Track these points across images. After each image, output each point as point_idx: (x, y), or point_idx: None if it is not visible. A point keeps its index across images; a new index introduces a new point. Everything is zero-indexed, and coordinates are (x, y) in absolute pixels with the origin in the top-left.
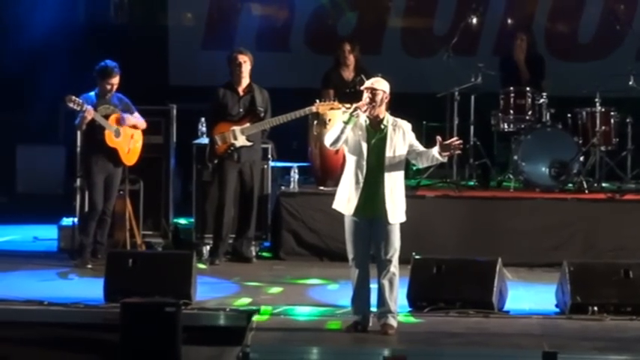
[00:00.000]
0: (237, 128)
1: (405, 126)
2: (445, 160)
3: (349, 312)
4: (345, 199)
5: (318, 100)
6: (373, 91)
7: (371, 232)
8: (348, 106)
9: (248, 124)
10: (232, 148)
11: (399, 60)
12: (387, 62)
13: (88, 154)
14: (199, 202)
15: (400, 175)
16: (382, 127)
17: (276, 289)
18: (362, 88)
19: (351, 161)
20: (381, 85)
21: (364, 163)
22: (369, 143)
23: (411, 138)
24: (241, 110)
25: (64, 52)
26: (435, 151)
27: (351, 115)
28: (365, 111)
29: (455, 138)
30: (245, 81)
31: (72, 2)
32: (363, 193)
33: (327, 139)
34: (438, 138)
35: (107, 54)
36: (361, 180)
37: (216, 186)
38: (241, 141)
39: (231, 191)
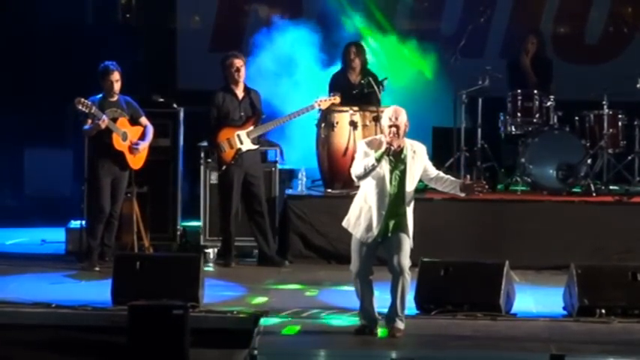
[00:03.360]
0: (242, 132)
1: (421, 151)
2: (463, 195)
3: (357, 314)
4: (364, 226)
5: (321, 97)
6: (397, 127)
7: (382, 244)
8: (355, 108)
9: (252, 127)
10: (239, 152)
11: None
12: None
13: (94, 157)
14: (207, 205)
15: (412, 200)
16: (402, 156)
17: (283, 292)
18: (385, 124)
19: (371, 188)
20: (402, 117)
21: (387, 192)
22: (391, 174)
23: (426, 162)
24: (242, 114)
25: (71, 54)
26: (457, 185)
27: (386, 153)
28: (396, 146)
29: (483, 182)
30: (242, 85)
31: (80, 4)
32: (385, 221)
33: (355, 174)
34: (467, 177)
35: (115, 56)
36: (383, 210)
37: (221, 191)
38: (247, 145)
39: (238, 196)
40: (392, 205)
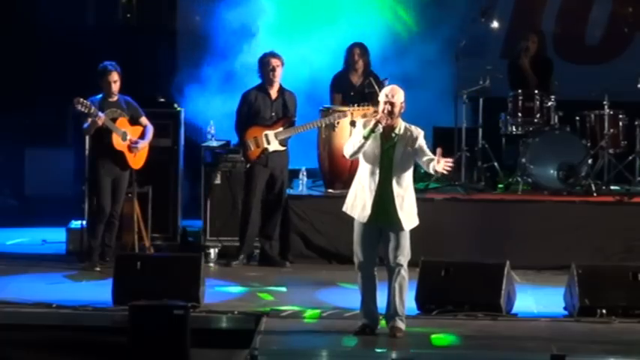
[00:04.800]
0: (270, 132)
1: (416, 132)
2: (435, 175)
3: (357, 314)
4: (360, 206)
5: (355, 105)
6: (392, 104)
7: (381, 238)
8: (358, 109)
9: (281, 129)
10: (265, 152)
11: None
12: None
13: (95, 157)
14: (208, 205)
15: (409, 180)
16: (393, 135)
17: (284, 292)
18: (380, 98)
19: (365, 168)
20: (399, 96)
21: (377, 171)
22: (382, 153)
23: (421, 143)
24: (274, 114)
25: (72, 54)
26: (428, 163)
27: (372, 130)
28: (384, 123)
29: (450, 160)
30: (277, 85)
31: (81, 4)
32: (376, 200)
33: (347, 151)
34: (438, 150)
35: (115, 56)
36: (374, 188)
37: (244, 189)
38: (274, 145)
39: (259, 196)
40: (383, 184)
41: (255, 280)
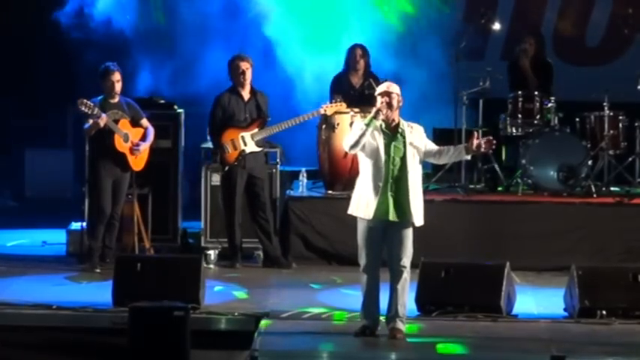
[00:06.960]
0: (246, 134)
1: (419, 129)
2: (469, 157)
3: (358, 316)
4: (364, 203)
5: (328, 102)
6: (389, 95)
7: (385, 237)
8: (356, 110)
9: (256, 130)
10: (243, 154)
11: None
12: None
13: (96, 158)
14: (208, 207)
15: (420, 177)
16: (399, 130)
17: (284, 293)
18: (377, 93)
19: (367, 165)
20: (394, 88)
21: (382, 166)
22: (387, 147)
23: (425, 140)
24: (247, 116)
25: (72, 55)
26: (461, 149)
27: (373, 118)
28: (384, 114)
29: (490, 137)
30: (248, 86)
31: (80, 5)
32: (384, 197)
33: (347, 143)
34: (475, 134)
35: (116, 58)
36: (380, 184)
37: (224, 192)
38: (251, 147)
39: (240, 197)
40: (393, 182)
41: (255, 282)
